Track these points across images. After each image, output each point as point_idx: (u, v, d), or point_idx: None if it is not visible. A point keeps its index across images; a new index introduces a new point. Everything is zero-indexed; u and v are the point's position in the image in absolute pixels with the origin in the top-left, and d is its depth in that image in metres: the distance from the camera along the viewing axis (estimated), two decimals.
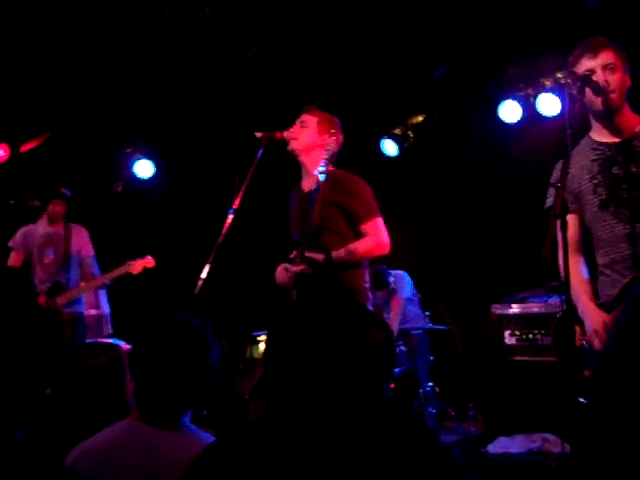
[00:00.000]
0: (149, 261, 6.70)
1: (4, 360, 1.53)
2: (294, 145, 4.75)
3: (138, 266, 6.66)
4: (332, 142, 4.73)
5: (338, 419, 1.76)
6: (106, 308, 7.08)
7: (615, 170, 3.47)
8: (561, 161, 3.52)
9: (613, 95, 3.43)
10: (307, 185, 4.80)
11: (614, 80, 3.43)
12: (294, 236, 4.78)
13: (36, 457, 1.50)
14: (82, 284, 6.77)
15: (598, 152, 3.54)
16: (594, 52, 3.43)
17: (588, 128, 3.65)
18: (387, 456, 1.71)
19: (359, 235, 4.59)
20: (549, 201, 3.67)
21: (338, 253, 4.47)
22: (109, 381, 2.93)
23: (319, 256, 4.45)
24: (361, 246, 4.57)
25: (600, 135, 3.57)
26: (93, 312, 7.04)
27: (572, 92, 3.43)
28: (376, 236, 4.59)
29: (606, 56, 3.43)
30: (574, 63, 3.47)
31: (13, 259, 6.85)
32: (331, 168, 4.75)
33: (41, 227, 6.87)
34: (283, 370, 1.85)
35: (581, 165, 3.57)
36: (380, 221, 4.64)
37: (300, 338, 1.87)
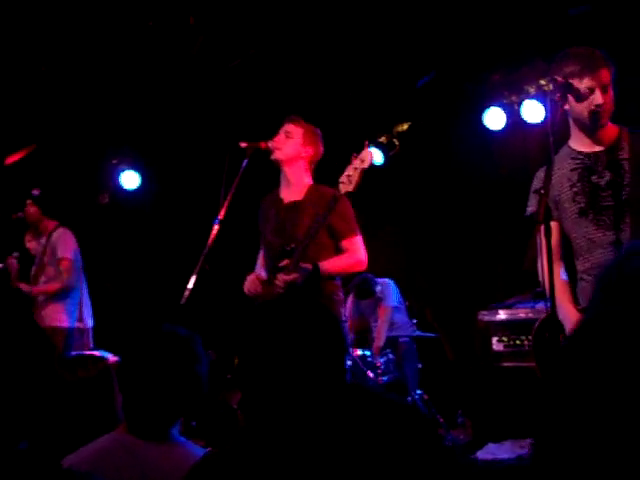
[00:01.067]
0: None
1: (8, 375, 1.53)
2: (278, 155, 4.77)
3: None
4: (314, 154, 4.80)
5: (316, 412, 1.77)
6: (89, 322, 7.00)
7: (594, 179, 3.51)
8: (542, 169, 3.56)
9: (605, 115, 3.46)
10: (287, 195, 4.82)
11: (608, 100, 3.45)
12: (271, 244, 4.78)
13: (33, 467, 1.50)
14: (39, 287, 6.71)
15: (577, 161, 3.58)
16: (594, 71, 3.42)
17: (569, 135, 3.68)
18: (368, 446, 1.72)
19: (339, 249, 4.66)
20: (530, 209, 3.71)
21: (324, 265, 4.52)
22: (99, 393, 2.92)
23: (307, 266, 4.48)
24: (342, 262, 4.66)
25: (580, 144, 3.60)
26: (77, 325, 6.98)
27: (553, 99, 3.46)
28: (356, 253, 4.69)
29: (603, 75, 3.43)
30: (571, 76, 3.45)
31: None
32: (311, 181, 4.81)
33: (41, 239, 6.85)
34: (252, 374, 1.87)
35: (561, 173, 3.60)
36: (360, 239, 4.73)
37: (259, 340, 1.90)
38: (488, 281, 7.59)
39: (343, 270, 4.74)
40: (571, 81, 3.42)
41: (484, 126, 7.53)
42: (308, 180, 4.84)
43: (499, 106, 7.46)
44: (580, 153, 3.58)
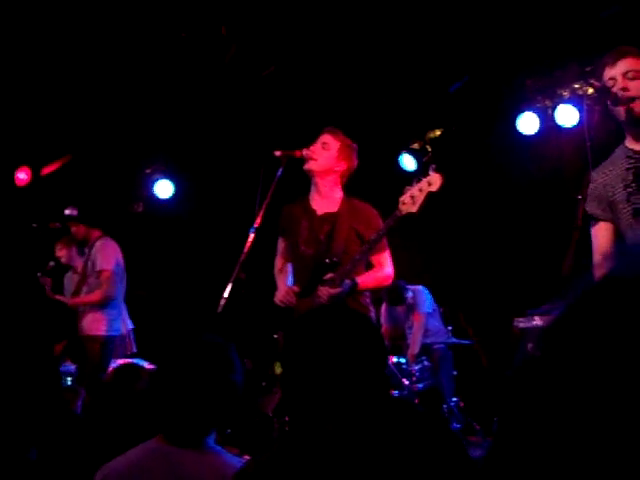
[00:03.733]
0: None
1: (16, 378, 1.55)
2: (312, 166, 4.77)
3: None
4: (347, 169, 4.81)
5: (357, 421, 1.78)
6: (129, 324, 7.06)
7: None
8: (596, 169, 3.51)
9: (634, 104, 3.40)
10: (320, 206, 4.82)
11: (635, 86, 3.40)
12: (304, 255, 4.79)
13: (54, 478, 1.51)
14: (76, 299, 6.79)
15: (632, 160, 3.50)
16: (614, 60, 3.41)
17: (609, 138, 3.63)
18: (410, 456, 1.72)
19: (369, 263, 4.69)
20: (588, 208, 3.63)
21: (360, 280, 4.56)
22: (145, 403, 2.94)
23: (349, 281, 4.52)
24: (375, 277, 4.72)
25: (634, 143, 3.53)
26: (114, 332, 7.05)
27: (589, 103, 3.42)
28: (386, 268, 4.74)
29: (626, 63, 3.40)
30: (598, 73, 3.46)
31: None
32: (342, 194, 4.82)
33: (75, 251, 6.96)
34: (296, 383, 1.88)
35: (615, 174, 3.52)
36: (389, 254, 4.77)
37: (304, 349, 1.93)
38: (524, 287, 7.54)
39: (375, 285, 4.80)
40: (602, 73, 3.40)
41: (518, 131, 7.48)
42: (339, 192, 4.85)
43: (533, 111, 7.41)
44: (635, 152, 3.51)
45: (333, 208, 4.77)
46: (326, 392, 1.83)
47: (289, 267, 4.97)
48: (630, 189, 3.47)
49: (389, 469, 1.71)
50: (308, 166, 4.77)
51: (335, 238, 4.64)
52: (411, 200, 4.35)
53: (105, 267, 6.72)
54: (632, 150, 3.52)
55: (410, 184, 4.41)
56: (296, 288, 4.73)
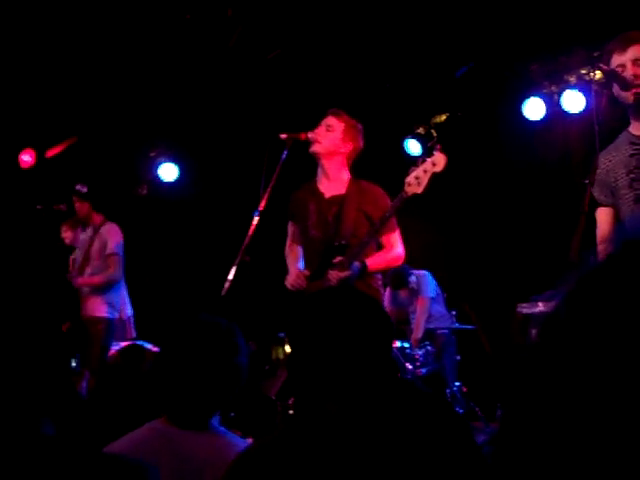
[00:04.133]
0: None
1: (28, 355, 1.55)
2: (317, 148, 4.76)
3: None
4: (353, 150, 4.80)
5: (364, 404, 1.78)
6: (129, 311, 7.09)
7: None
8: (601, 153, 3.49)
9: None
10: (327, 189, 4.82)
11: None
12: (314, 238, 4.79)
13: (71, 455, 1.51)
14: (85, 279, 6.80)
15: (636, 147, 3.49)
16: (624, 47, 3.39)
17: (616, 123, 3.61)
18: (415, 438, 1.72)
19: (379, 244, 4.70)
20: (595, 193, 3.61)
21: (370, 262, 4.56)
22: (149, 384, 2.94)
23: (358, 264, 4.53)
24: (385, 258, 4.71)
25: (638, 129, 3.51)
26: (116, 315, 7.07)
27: (596, 88, 3.40)
28: (396, 248, 4.74)
29: (636, 50, 3.38)
30: (605, 59, 3.43)
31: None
32: (349, 176, 4.82)
33: (87, 231, 6.96)
34: (304, 364, 1.88)
35: (618, 159, 3.51)
36: (398, 234, 4.77)
37: (311, 329, 1.93)
38: (528, 273, 7.53)
39: (386, 266, 4.82)
40: (609, 59, 3.38)
41: (524, 116, 7.46)
42: (346, 174, 4.84)
43: (539, 96, 7.38)
44: (639, 138, 3.50)
45: (341, 190, 4.77)
46: (332, 374, 1.83)
47: (299, 251, 4.97)
48: (633, 175, 3.46)
49: (395, 451, 1.71)
50: (313, 149, 4.76)
51: (343, 220, 4.65)
52: (416, 181, 4.35)
53: (116, 251, 6.78)
54: (636, 136, 3.50)
55: (415, 165, 4.41)
56: (306, 272, 4.74)
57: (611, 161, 3.47)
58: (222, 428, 2.58)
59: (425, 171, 4.34)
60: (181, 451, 2.41)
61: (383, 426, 1.75)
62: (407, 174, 4.41)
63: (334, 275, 4.46)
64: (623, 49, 3.39)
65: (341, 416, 1.78)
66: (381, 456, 1.70)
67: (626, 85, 3.35)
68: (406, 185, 4.37)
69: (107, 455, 1.58)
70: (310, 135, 4.77)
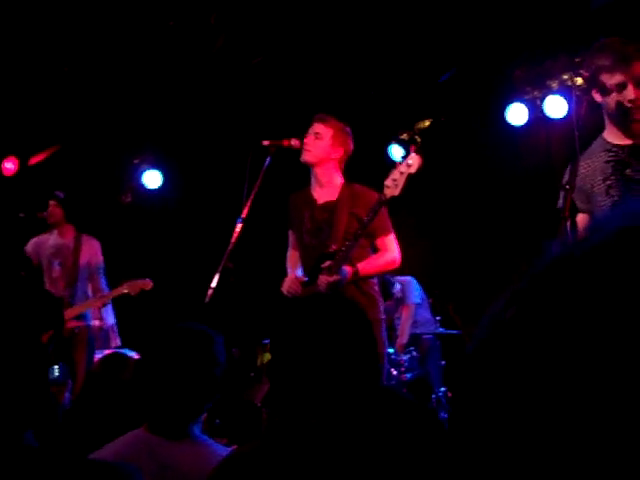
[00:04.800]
0: (147, 284, 6.72)
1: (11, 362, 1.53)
2: (308, 157, 4.77)
3: (136, 287, 6.70)
4: (344, 154, 4.81)
5: (345, 412, 1.77)
6: (110, 320, 7.07)
7: (629, 172, 3.44)
8: (572, 163, 3.50)
9: (638, 113, 3.35)
10: (320, 195, 4.83)
11: None
12: (308, 245, 4.80)
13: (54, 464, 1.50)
14: (90, 299, 6.77)
15: (611, 154, 3.49)
16: (626, 65, 3.30)
17: (597, 129, 3.63)
18: (398, 448, 1.71)
19: (375, 248, 4.69)
20: (560, 202, 3.63)
21: (362, 267, 4.57)
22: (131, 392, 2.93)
23: (348, 269, 4.52)
24: (378, 262, 4.72)
25: (614, 137, 3.51)
26: (97, 323, 7.04)
27: (578, 94, 3.41)
28: (390, 252, 4.75)
29: (637, 69, 3.30)
30: (603, 69, 3.33)
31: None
32: (342, 180, 4.82)
33: (52, 238, 6.90)
34: (285, 373, 1.88)
35: (594, 166, 3.52)
36: (393, 237, 4.79)
37: (292, 337, 1.93)
38: (511, 277, 7.55)
39: (379, 270, 4.82)
40: (602, 75, 3.33)
41: (506, 122, 7.49)
42: (339, 179, 4.85)
43: (521, 102, 7.41)
44: (615, 146, 3.49)
45: (333, 196, 4.80)
46: (312, 381, 1.83)
47: (298, 257, 4.99)
48: (609, 182, 3.47)
49: (377, 459, 1.70)
50: (304, 158, 4.78)
51: (335, 225, 4.67)
52: (393, 183, 4.37)
53: (102, 266, 6.85)
54: (611, 144, 3.52)
55: (394, 167, 4.43)
56: (302, 278, 4.75)
57: (586, 168, 3.48)
58: (204, 436, 2.57)
59: (401, 173, 4.37)
60: (162, 460, 2.41)
61: (364, 434, 1.74)
62: (386, 177, 4.43)
63: (322, 280, 4.47)
64: (626, 66, 3.30)
65: (326, 424, 1.77)
66: (363, 464, 1.70)
67: (605, 91, 3.34)
68: (385, 188, 4.40)
69: (91, 461, 1.57)
70: (299, 144, 4.79)
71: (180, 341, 2.53)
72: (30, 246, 6.96)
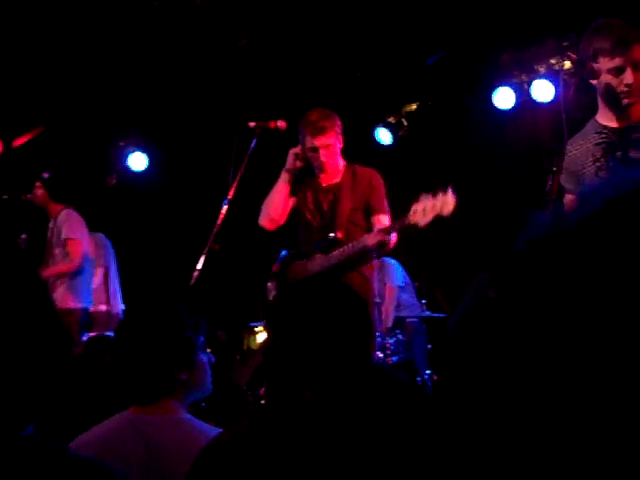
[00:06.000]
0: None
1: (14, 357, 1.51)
2: (329, 169, 4.83)
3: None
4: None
5: (338, 391, 1.78)
6: (118, 306, 7.05)
7: (619, 155, 3.43)
8: (559, 145, 3.49)
9: (635, 93, 3.33)
10: (323, 178, 4.90)
11: (638, 78, 3.32)
12: (309, 223, 4.86)
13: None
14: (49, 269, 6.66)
15: (603, 136, 3.48)
16: (626, 48, 3.26)
17: (584, 112, 3.62)
18: (391, 427, 1.71)
19: (370, 227, 4.72)
20: (549, 185, 3.61)
21: (344, 249, 4.59)
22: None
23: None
24: (368, 240, 4.66)
25: (606, 119, 3.50)
26: (103, 308, 7.02)
27: (565, 77, 3.40)
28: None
29: (636, 52, 3.28)
30: (601, 52, 3.29)
31: None
32: (344, 162, 4.84)
33: (50, 223, 6.88)
34: (280, 353, 1.89)
35: (585, 148, 3.51)
36: (387, 218, 4.79)
37: (288, 319, 1.95)
38: (498, 261, 7.57)
39: (370, 247, 4.74)
40: (600, 57, 3.29)
41: (494, 106, 7.48)
42: (342, 161, 4.88)
43: (509, 85, 7.40)
44: (605, 128, 3.48)
45: (336, 178, 4.83)
46: (309, 361, 1.84)
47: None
48: (599, 164, 3.47)
49: (372, 438, 1.70)
50: (327, 172, 4.81)
51: (339, 208, 4.72)
52: (422, 212, 4.34)
53: (71, 235, 6.64)
54: (602, 126, 3.51)
55: (427, 194, 4.39)
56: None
57: (578, 149, 3.48)
58: (189, 415, 2.58)
59: (434, 207, 4.32)
60: (148, 439, 2.42)
61: (360, 414, 1.74)
62: (417, 200, 4.38)
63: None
64: (625, 49, 3.27)
65: (318, 404, 1.77)
66: (358, 444, 1.70)
67: (592, 74, 3.33)
68: (412, 212, 4.35)
69: (75, 458, 1.54)
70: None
71: (151, 313, 2.61)
72: None
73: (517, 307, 0.65)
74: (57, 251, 6.69)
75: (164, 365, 2.50)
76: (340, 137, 4.82)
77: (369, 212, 4.74)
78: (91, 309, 6.88)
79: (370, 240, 4.55)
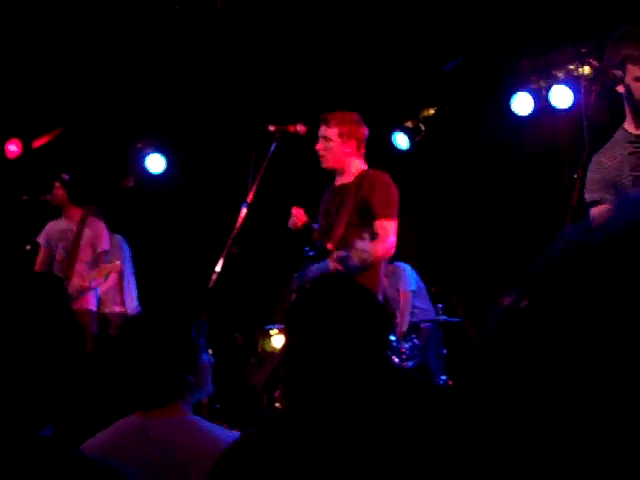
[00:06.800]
0: (116, 266, 6.71)
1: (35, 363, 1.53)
2: (326, 164, 4.83)
3: (104, 272, 6.70)
4: (357, 143, 4.81)
5: (360, 395, 1.77)
6: (132, 306, 7.08)
7: None
8: (595, 154, 3.46)
9: None
10: (339, 180, 4.91)
11: None
12: (320, 225, 4.87)
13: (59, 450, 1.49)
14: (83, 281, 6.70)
15: (636, 145, 3.45)
16: None
17: (604, 119, 3.61)
18: (418, 430, 1.71)
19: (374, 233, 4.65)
20: (588, 195, 3.55)
21: (338, 254, 4.45)
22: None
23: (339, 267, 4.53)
24: (329, 263, 4.57)
25: (634, 127, 3.47)
26: (117, 309, 7.05)
27: (585, 83, 3.38)
28: (383, 239, 4.61)
29: None
30: (629, 60, 3.28)
31: (40, 256, 6.91)
32: (364, 167, 4.82)
33: (61, 222, 6.90)
34: (299, 357, 1.88)
35: (620, 159, 3.47)
36: (392, 224, 4.64)
37: (311, 322, 1.93)
38: (515, 266, 7.55)
39: (376, 258, 4.59)
40: (627, 65, 3.28)
41: (512, 111, 7.47)
42: (361, 165, 4.86)
43: (527, 91, 7.38)
44: (638, 137, 3.46)
45: (348, 180, 4.81)
46: (330, 366, 1.83)
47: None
48: (636, 173, 3.44)
49: (399, 441, 1.70)
50: (323, 166, 4.83)
51: (341, 210, 4.70)
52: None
53: (106, 248, 6.80)
54: (633, 135, 3.48)
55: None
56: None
57: (613, 160, 3.45)
58: (197, 417, 2.59)
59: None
60: (157, 440, 2.42)
61: (386, 418, 1.74)
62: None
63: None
64: None
65: (347, 409, 1.77)
66: (387, 447, 1.70)
67: (615, 81, 3.32)
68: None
69: (87, 460, 1.55)
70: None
71: (153, 317, 2.60)
72: (44, 231, 6.96)
73: (550, 317, 0.65)
74: (87, 256, 6.75)
75: (174, 369, 2.50)
76: (349, 143, 4.76)
77: (369, 214, 4.62)
78: (105, 310, 6.92)
79: (330, 265, 4.48)
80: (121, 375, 2.62)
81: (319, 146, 4.81)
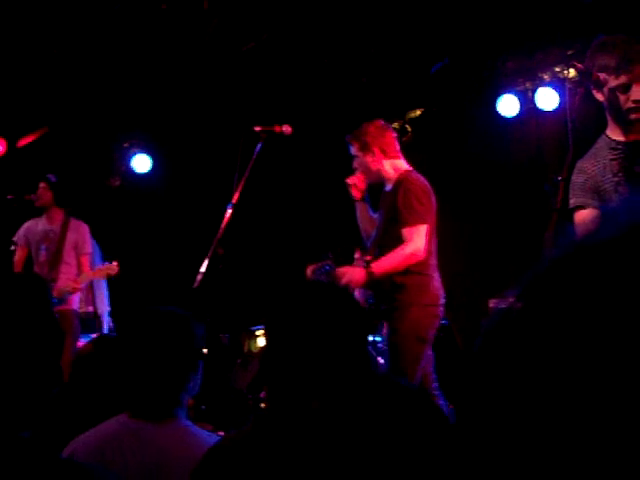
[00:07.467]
0: (113, 268, 6.68)
1: (12, 365, 1.51)
2: (368, 180, 4.88)
3: (102, 273, 6.69)
4: (380, 151, 4.81)
5: (341, 398, 1.77)
6: (103, 306, 7.06)
7: (637, 169, 3.41)
8: (581, 159, 3.48)
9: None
10: (385, 188, 4.91)
11: None
12: (373, 239, 4.94)
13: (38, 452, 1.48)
14: (71, 283, 6.70)
15: (616, 152, 3.47)
16: (631, 65, 3.24)
17: (589, 121, 3.62)
18: (396, 434, 1.71)
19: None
20: (572, 200, 3.56)
21: (377, 268, 4.56)
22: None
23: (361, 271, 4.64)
24: (394, 258, 4.59)
25: (617, 134, 3.48)
26: (90, 309, 7.03)
27: (570, 86, 3.40)
28: (410, 243, 4.58)
29: None
30: (606, 70, 3.28)
31: (18, 255, 6.88)
32: (406, 168, 4.83)
33: (41, 222, 6.87)
34: (279, 359, 1.88)
35: (603, 165, 3.47)
36: (419, 229, 4.60)
37: (290, 324, 1.94)
38: (500, 269, 7.57)
39: (398, 265, 4.62)
40: (605, 75, 3.28)
41: (498, 113, 7.49)
42: (399, 166, 4.85)
43: (513, 93, 7.41)
44: (619, 143, 3.47)
45: (389, 187, 4.84)
46: (308, 368, 1.83)
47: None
48: (617, 179, 3.46)
49: (376, 445, 1.70)
50: (368, 183, 4.90)
51: (382, 217, 4.77)
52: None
53: (90, 251, 6.82)
54: (614, 141, 3.49)
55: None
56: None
57: (596, 166, 3.47)
58: (188, 422, 2.57)
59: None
60: (145, 445, 2.40)
61: (364, 421, 1.74)
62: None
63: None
64: (630, 66, 3.24)
65: (325, 413, 1.77)
66: (364, 451, 1.70)
67: (599, 85, 3.32)
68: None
69: (63, 461, 1.53)
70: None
71: (156, 320, 2.55)
72: (22, 230, 6.93)
73: (546, 318, 0.65)
74: (71, 259, 6.75)
75: (178, 381, 2.49)
76: (373, 152, 4.76)
77: (398, 222, 4.62)
78: (79, 310, 6.91)
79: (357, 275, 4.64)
80: (121, 380, 2.59)
81: (356, 165, 4.88)
